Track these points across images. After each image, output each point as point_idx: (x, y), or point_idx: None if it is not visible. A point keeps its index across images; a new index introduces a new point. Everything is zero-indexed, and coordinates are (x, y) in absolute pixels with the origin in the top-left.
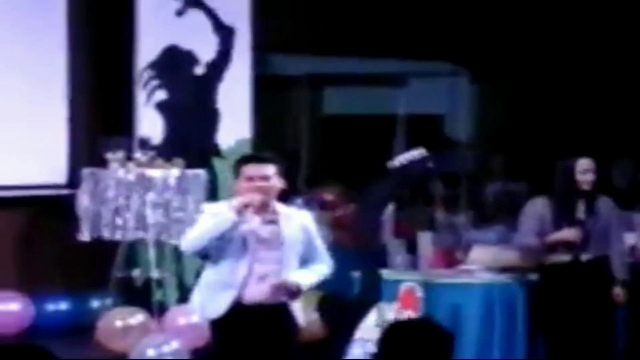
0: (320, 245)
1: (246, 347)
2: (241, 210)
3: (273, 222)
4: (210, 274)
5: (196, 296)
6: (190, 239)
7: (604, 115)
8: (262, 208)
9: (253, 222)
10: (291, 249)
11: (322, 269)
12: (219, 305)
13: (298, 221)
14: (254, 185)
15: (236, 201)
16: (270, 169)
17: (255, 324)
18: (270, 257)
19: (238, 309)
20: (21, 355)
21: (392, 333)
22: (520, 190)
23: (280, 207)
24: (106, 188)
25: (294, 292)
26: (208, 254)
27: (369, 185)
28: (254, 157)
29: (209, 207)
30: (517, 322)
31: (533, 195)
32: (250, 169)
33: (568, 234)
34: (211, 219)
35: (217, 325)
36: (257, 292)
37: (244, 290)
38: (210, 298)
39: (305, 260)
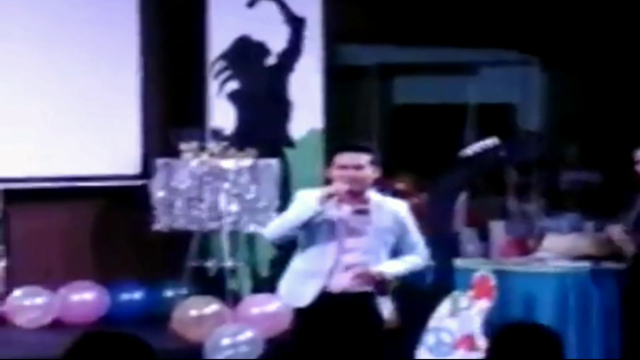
0: (416, 237)
1: (330, 335)
2: (324, 200)
3: (364, 211)
4: (298, 262)
5: (283, 284)
6: (272, 227)
7: None
8: (354, 197)
9: (343, 211)
10: (380, 238)
11: (413, 259)
12: (306, 294)
13: (390, 211)
14: (345, 174)
15: (326, 190)
16: (363, 158)
17: (340, 312)
18: (359, 246)
19: (324, 297)
20: (117, 344)
21: (503, 337)
22: (593, 179)
23: (374, 195)
24: (180, 178)
25: (378, 280)
26: (294, 242)
27: (441, 175)
28: (348, 146)
29: (302, 194)
30: (591, 310)
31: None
32: (344, 158)
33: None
34: (295, 207)
35: (303, 313)
36: (343, 281)
37: (331, 279)
38: (297, 286)
39: (398, 251)
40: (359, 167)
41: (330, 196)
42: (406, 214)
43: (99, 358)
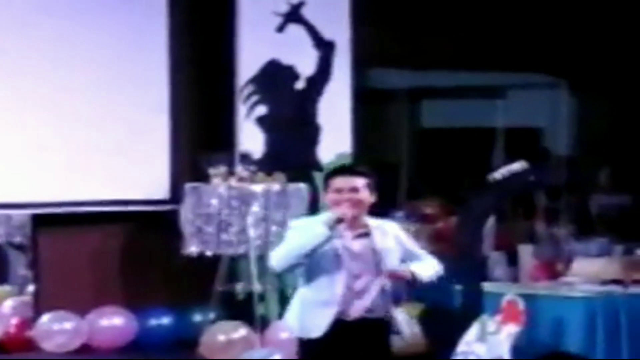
0: (417, 249)
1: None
2: (333, 225)
3: (364, 235)
4: (306, 292)
5: (292, 315)
6: (281, 255)
7: None
8: (353, 222)
9: (345, 236)
10: (387, 260)
11: (432, 262)
12: (320, 324)
13: (390, 232)
14: (342, 197)
15: (327, 216)
16: (359, 181)
17: (359, 339)
18: (366, 270)
19: (340, 325)
20: None
21: None
22: (623, 202)
23: (370, 220)
24: (208, 203)
25: (409, 280)
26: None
27: (469, 198)
28: (343, 169)
29: (295, 223)
30: (620, 335)
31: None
32: (339, 181)
33: None
34: (302, 235)
35: (318, 343)
36: (359, 308)
37: (345, 306)
38: (309, 317)
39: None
40: (354, 190)
41: (339, 221)
42: (402, 232)
43: None
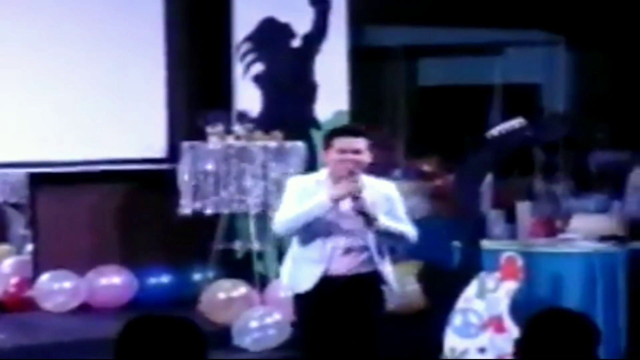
0: (404, 215)
1: (334, 317)
2: (340, 198)
3: (358, 197)
4: (298, 250)
5: (285, 272)
6: (284, 223)
7: None
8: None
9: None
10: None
11: (407, 227)
12: (308, 280)
13: (381, 192)
14: (345, 158)
15: (324, 173)
16: (362, 143)
17: (348, 293)
18: (355, 228)
19: (325, 281)
20: (170, 328)
21: (538, 322)
22: (621, 159)
23: (365, 179)
24: (206, 161)
25: (366, 214)
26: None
27: (467, 156)
28: (347, 130)
29: (293, 182)
30: (618, 290)
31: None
32: (343, 142)
33: None
34: (305, 204)
35: (304, 298)
36: (343, 264)
37: (331, 263)
38: (300, 273)
39: None
40: (357, 152)
41: (347, 195)
42: (396, 194)
43: (152, 342)
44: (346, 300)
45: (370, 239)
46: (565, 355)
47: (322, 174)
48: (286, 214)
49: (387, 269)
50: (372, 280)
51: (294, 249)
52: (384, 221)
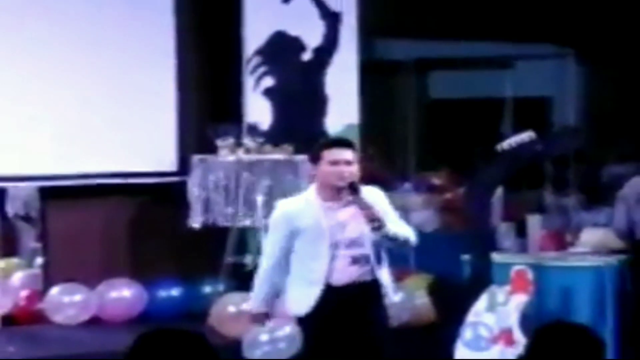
0: (396, 215)
1: (339, 326)
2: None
3: (350, 203)
4: (298, 266)
5: (286, 295)
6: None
7: None
8: (339, 193)
9: (332, 210)
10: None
11: (408, 230)
12: (307, 301)
13: (372, 198)
14: (339, 169)
15: (312, 193)
16: (352, 154)
17: (350, 303)
18: (356, 237)
19: (327, 295)
20: (181, 342)
21: (543, 335)
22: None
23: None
24: (216, 174)
25: (378, 220)
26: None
27: (477, 169)
28: (337, 142)
29: (281, 207)
30: (628, 303)
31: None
32: (334, 153)
33: None
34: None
35: (308, 318)
36: (346, 275)
37: (333, 275)
38: (299, 293)
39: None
40: (349, 163)
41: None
42: (382, 199)
43: (164, 355)
44: (352, 311)
45: (369, 247)
46: None
47: (311, 192)
48: (260, 272)
49: (385, 276)
50: (373, 289)
51: (295, 266)
52: (391, 226)
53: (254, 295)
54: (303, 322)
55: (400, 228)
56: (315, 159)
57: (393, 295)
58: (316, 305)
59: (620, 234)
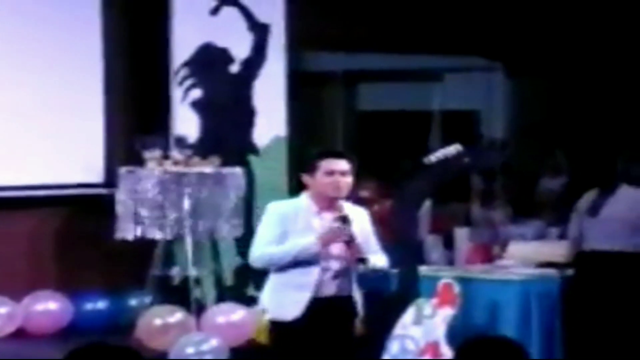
0: (375, 240)
1: (321, 340)
2: (326, 243)
3: (345, 219)
4: (280, 275)
5: (268, 297)
6: (263, 259)
7: None
8: (332, 205)
9: (325, 220)
10: (361, 244)
11: (384, 259)
12: (296, 306)
13: (361, 218)
14: (335, 180)
15: (306, 200)
16: (348, 165)
17: (331, 317)
18: (343, 252)
19: (314, 305)
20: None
21: (468, 349)
22: (558, 185)
23: (346, 204)
24: (143, 187)
25: (362, 258)
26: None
27: (405, 181)
28: (334, 152)
29: (273, 208)
30: (554, 318)
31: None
32: (331, 164)
33: None
34: (289, 243)
35: (293, 324)
36: (331, 288)
37: (320, 287)
38: (285, 299)
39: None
40: (344, 174)
41: (337, 241)
42: (368, 222)
43: None
44: (331, 324)
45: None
46: None
47: (302, 199)
48: (265, 249)
49: (357, 293)
50: (350, 304)
51: (275, 274)
52: (374, 261)
53: (286, 250)
54: (285, 326)
55: (379, 259)
56: (311, 169)
57: (362, 312)
58: (302, 314)
59: (577, 245)
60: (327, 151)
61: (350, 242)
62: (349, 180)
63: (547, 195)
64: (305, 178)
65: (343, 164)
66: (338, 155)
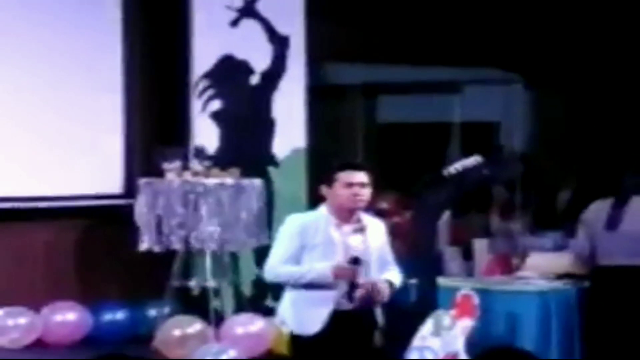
0: (390, 255)
1: (340, 353)
2: (341, 276)
3: (361, 230)
4: (302, 291)
5: (287, 312)
6: (276, 275)
7: None
8: (351, 216)
9: (343, 232)
10: (376, 258)
11: (397, 273)
12: (319, 319)
13: (379, 230)
14: (354, 192)
15: (323, 213)
16: (367, 177)
17: (348, 330)
18: (363, 264)
19: (335, 319)
20: None
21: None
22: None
23: (364, 216)
24: (163, 198)
25: (385, 292)
26: None
27: (424, 193)
28: (354, 164)
29: (292, 221)
30: (573, 329)
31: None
32: (350, 176)
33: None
34: (305, 266)
35: (315, 338)
36: (356, 302)
37: (340, 301)
38: (308, 313)
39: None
40: (363, 185)
41: (355, 261)
42: (384, 233)
43: None
44: (352, 339)
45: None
46: None
47: (321, 211)
48: (282, 268)
49: (378, 307)
50: (370, 318)
51: (294, 290)
52: (393, 278)
53: (303, 273)
54: (305, 342)
55: (394, 276)
56: (329, 181)
57: (382, 324)
58: (323, 327)
59: (581, 258)
60: (345, 163)
61: (357, 285)
62: (367, 192)
63: (557, 207)
64: (324, 190)
65: (362, 176)
66: (357, 167)
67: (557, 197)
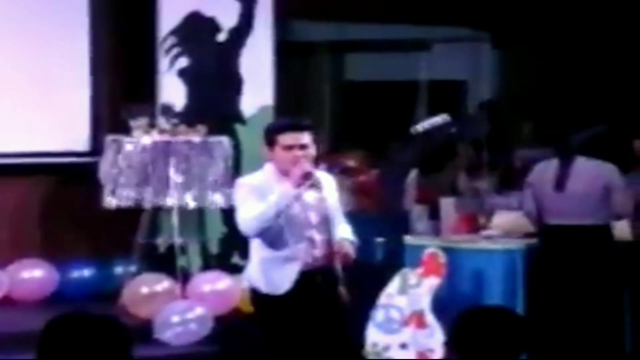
0: (340, 211)
1: (310, 311)
2: (299, 182)
3: (313, 186)
4: (266, 250)
5: (255, 273)
6: (252, 220)
7: (630, 81)
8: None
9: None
10: (332, 212)
11: (349, 230)
12: (287, 279)
13: (330, 185)
14: (293, 155)
15: (270, 169)
16: (307, 137)
17: (319, 288)
18: (320, 221)
19: (302, 277)
20: (94, 326)
21: (467, 320)
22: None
23: (315, 171)
24: (129, 155)
25: (352, 252)
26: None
27: (391, 151)
28: (292, 125)
29: (244, 182)
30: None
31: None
32: (288, 138)
33: None
34: (268, 198)
35: (285, 297)
36: (317, 258)
37: (307, 258)
38: (274, 274)
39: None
40: (304, 147)
41: (304, 177)
42: (335, 188)
43: (76, 340)
44: (319, 295)
45: (330, 233)
46: (498, 349)
47: (268, 170)
48: (250, 212)
49: (338, 264)
50: (333, 275)
51: (261, 250)
52: (351, 238)
53: (269, 206)
54: (275, 300)
55: (348, 232)
56: (269, 143)
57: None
58: (292, 286)
59: (531, 218)
60: (284, 124)
61: (317, 185)
62: (310, 152)
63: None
64: (265, 151)
65: (302, 137)
66: (296, 128)
67: (524, 155)
